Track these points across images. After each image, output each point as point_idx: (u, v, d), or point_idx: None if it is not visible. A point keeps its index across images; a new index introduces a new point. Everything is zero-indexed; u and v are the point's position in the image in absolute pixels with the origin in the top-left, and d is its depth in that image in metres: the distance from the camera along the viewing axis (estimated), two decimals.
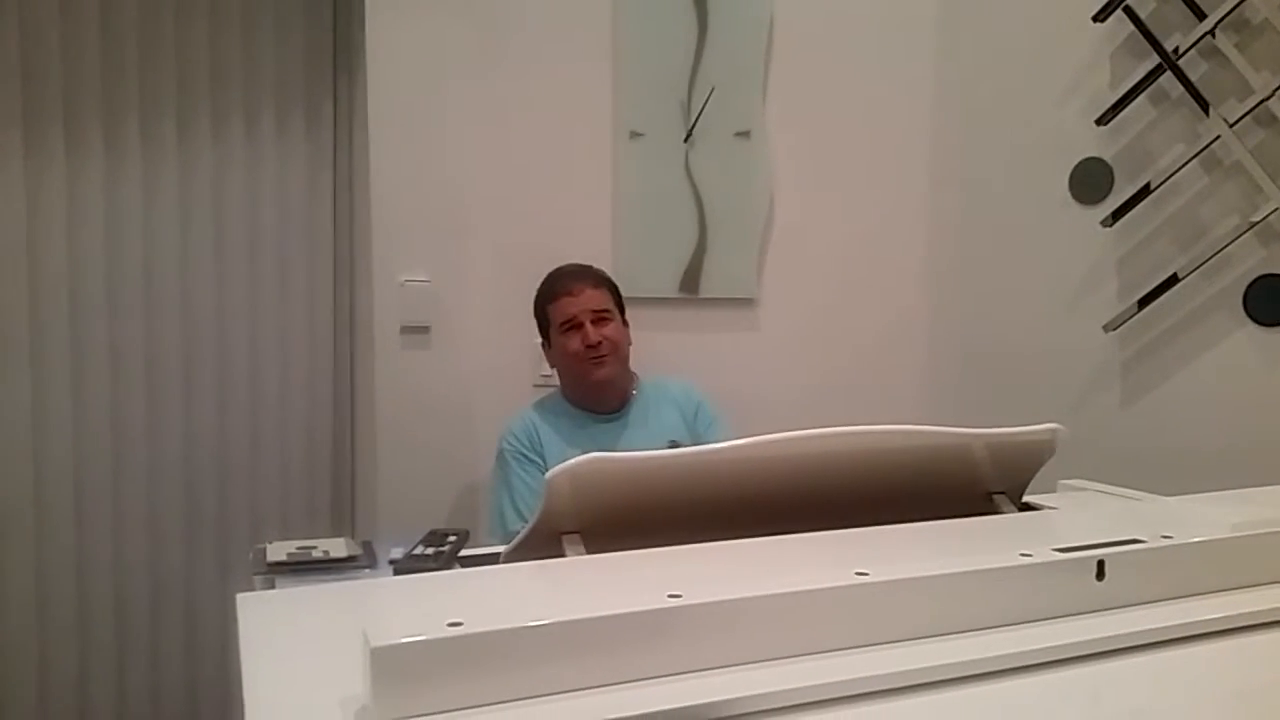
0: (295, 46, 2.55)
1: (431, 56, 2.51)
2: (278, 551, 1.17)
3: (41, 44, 2.30)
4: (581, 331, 2.23)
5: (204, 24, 2.44)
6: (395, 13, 2.46)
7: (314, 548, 1.18)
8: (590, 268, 2.36)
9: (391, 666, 0.67)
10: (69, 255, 2.36)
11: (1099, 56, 2.41)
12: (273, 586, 1.12)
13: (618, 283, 2.37)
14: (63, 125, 2.33)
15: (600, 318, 2.26)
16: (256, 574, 1.15)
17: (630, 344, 2.34)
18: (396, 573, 1.14)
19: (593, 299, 2.27)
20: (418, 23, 2.48)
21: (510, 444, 2.25)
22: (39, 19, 2.29)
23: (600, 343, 2.23)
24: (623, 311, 2.34)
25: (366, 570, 1.17)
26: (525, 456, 2.23)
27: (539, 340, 2.37)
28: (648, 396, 2.36)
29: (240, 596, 0.95)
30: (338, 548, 1.18)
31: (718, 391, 2.44)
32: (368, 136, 2.49)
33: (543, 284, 2.34)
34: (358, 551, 1.19)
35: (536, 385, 2.58)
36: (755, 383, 2.60)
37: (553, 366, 2.37)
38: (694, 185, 2.67)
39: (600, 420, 2.31)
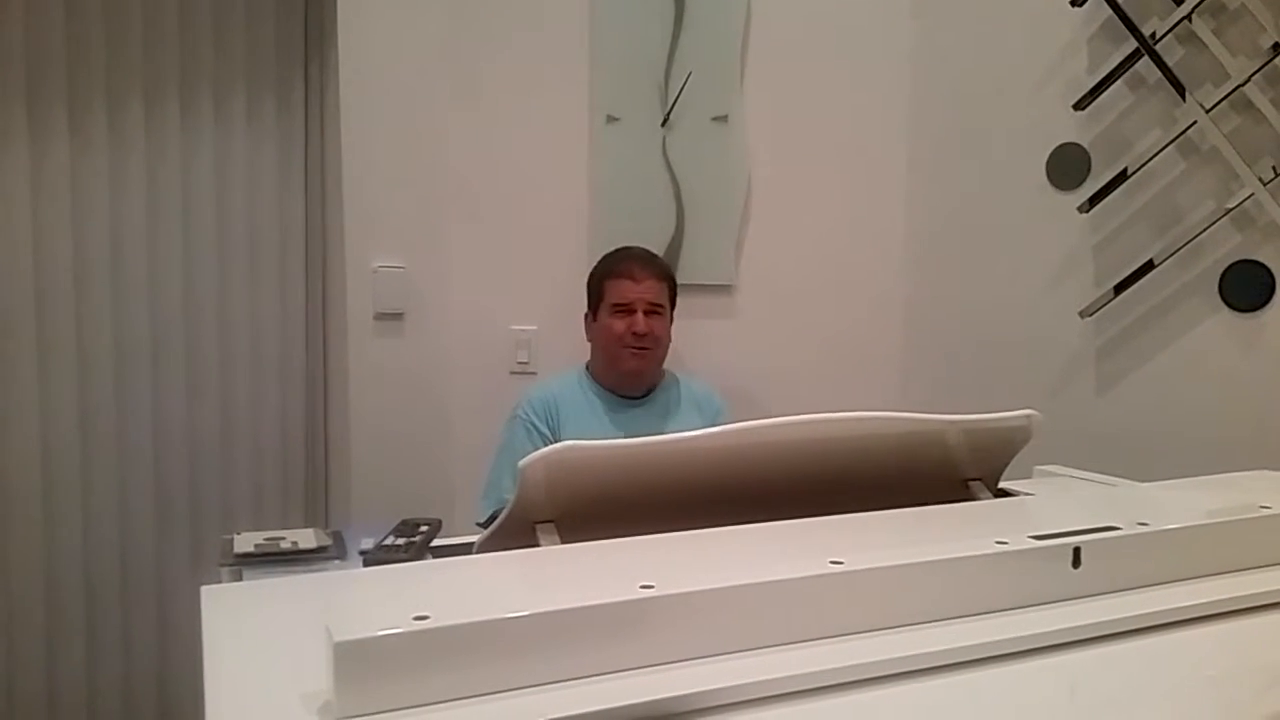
0: (266, 29, 2.51)
1: (404, 40, 2.47)
2: (245, 543, 1.15)
3: (5, 26, 2.25)
4: (632, 318, 2.25)
5: (173, 6, 2.40)
6: None
7: (282, 538, 1.17)
8: (658, 258, 2.41)
9: (355, 661, 0.65)
10: (34, 241, 2.32)
11: (1077, 41, 2.40)
12: (240, 578, 1.10)
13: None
14: (27, 109, 2.28)
15: (653, 310, 2.28)
16: (223, 565, 1.13)
17: (670, 343, 2.35)
18: (366, 564, 1.13)
19: (652, 290, 2.29)
20: (390, 6, 2.45)
21: (525, 412, 2.25)
22: (4, 2, 2.24)
23: (646, 334, 2.26)
24: (673, 309, 2.36)
25: (336, 561, 1.15)
26: (535, 428, 2.23)
27: (585, 312, 2.37)
28: (672, 390, 2.37)
29: (205, 589, 0.94)
30: (306, 539, 1.17)
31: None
32: (340, 121, 2.46)
33: (607, 258, 2.36)
34: (327, 542, 1.17)
35: (513, 373, 2.57)
36: (732, 369, 2.59)
37: (589, 340, 2.37)
38: (671, 170, 2.65)
39: (624, 404, 2.31)
